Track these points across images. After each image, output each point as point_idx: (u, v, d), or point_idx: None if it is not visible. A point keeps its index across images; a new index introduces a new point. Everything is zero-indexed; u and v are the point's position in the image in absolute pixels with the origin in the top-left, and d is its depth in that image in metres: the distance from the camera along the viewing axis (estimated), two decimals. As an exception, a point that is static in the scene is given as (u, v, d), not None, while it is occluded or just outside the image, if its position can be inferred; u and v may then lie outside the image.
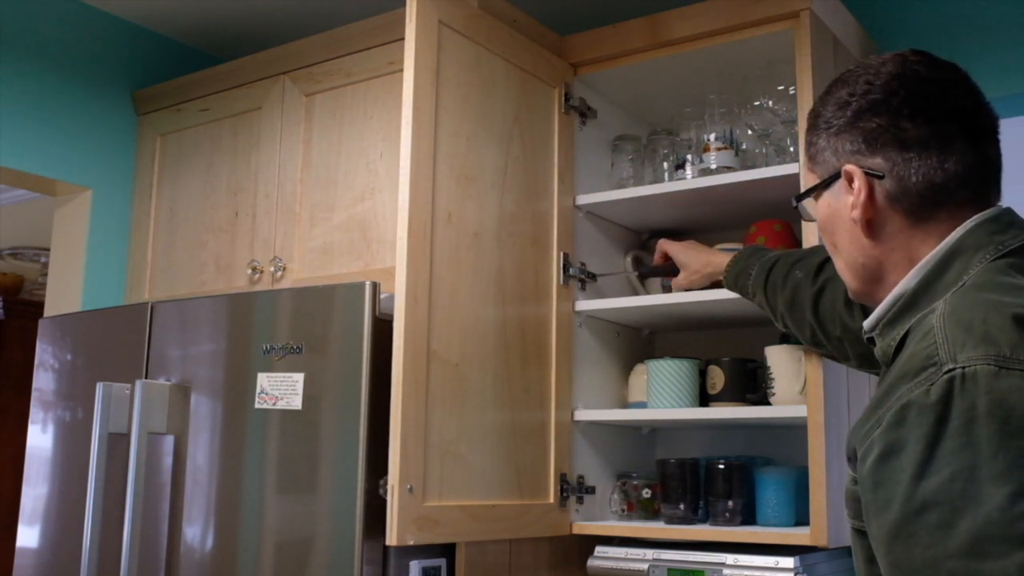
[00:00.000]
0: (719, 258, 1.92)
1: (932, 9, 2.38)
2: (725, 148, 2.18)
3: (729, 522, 2.03)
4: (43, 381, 2.43)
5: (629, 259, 2.37)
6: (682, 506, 2.09)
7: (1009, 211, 1.12)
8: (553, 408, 2.11)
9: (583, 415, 2.18)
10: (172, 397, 2.15)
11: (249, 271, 2.47)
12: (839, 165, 1.15)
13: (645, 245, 2.48)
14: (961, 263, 1.07)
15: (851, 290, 1.23)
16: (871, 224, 1.13)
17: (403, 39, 1.85)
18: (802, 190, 1.27)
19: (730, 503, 2.03)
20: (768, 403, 2.02)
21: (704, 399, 2.18)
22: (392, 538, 1.70)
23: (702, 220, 2.37)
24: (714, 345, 2.40)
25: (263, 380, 2.02)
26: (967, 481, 0.90)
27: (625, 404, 2.33)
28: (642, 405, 2.24)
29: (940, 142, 1.10)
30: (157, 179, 2.77)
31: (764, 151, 2.18)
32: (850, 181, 1.13)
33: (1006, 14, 2.30)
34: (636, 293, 2.34)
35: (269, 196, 2.50)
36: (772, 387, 2.00)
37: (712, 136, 2.20)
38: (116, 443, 2.16)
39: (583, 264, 2.25)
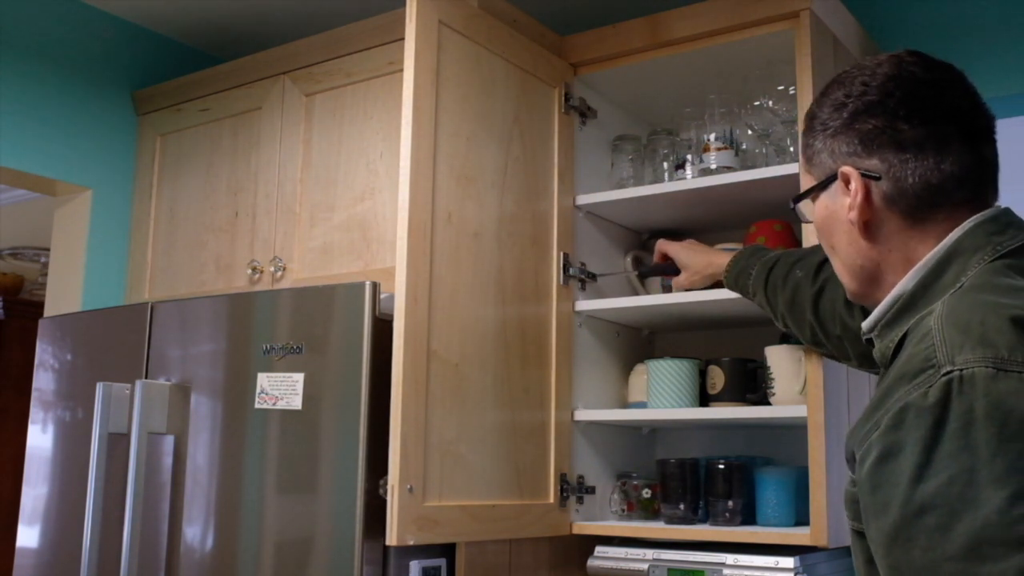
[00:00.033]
0: (720, 258, 1.92)
1: (932, 9, 2.38)
2: (725, 148, 2.18)
3: (729, 522, 2.03)
4: (43, 381, 2.43)
5: (629, 259, 2.37)
6: (682, 506, 2.09)
7: (1007, 211, 1.12)
8: (553, 408, 2.11)
9: (583, 415, 2.18)
10: (172, 397, 2.15)
11: (249, 271, 2.47)
12: (836, 167, 1.15)
13: (645, 245, 2.48)
14: (959, 264, 1.07)
15: (849, 291, 1.23)
16: (868, 226, 1.13)
17: (403, 39, 1.85)
18: (799, 192, 1.27)
19: (730, 503, 2.03)
20: (768, 403, 2.02)
21: (704, 399, 2.18)
22: (392, 538, 1.70)
23: (702, 220, 2.37)
24: (714, 345, 2.40)
25: (263, 380, 2.02)
26: (965, 484, 0.90)
27: (625, 404, 2.33)
28: (642, 405, 2.24)
29: (936, 143, 1.10)
30: (157, 179, 2.77)
31: (764, 151, 2.18)
32: (847, 183, 1.13)
33: (1006, 14, 2.30)
34: (636, 293, 2.34)
35: (269, 196, 2.50)
36: (772, 387, 2.00)
37: (712, 136, 2.20)
38: (116, 443, 2.16)
39: (583, 264, 2.25)
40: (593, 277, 2.27)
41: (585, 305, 2.22)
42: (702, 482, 2.11)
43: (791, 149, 2.11)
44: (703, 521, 2.10)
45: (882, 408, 0.99)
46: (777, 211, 2.13)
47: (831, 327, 1.58)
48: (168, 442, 2.14)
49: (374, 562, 1.86)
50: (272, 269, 2.43)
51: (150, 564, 2.10)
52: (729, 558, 1.91)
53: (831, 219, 1.18)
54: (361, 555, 1.84)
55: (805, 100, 1.92)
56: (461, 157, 1.93)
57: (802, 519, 1.94)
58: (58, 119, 2.71)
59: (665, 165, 2.31)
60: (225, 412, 2.09)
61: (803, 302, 1.63)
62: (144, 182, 2.80)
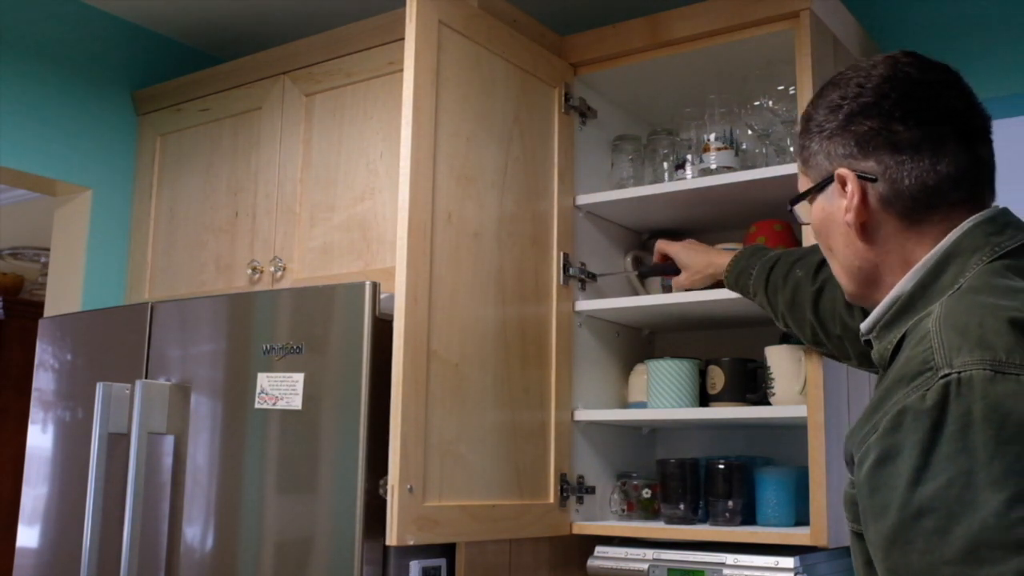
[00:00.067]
0: (720, 258, 1.92)
1: (932, 9, 2.38)
2: (725, 148, 2.18)
3: (729, 522, 2.03)
4: (43, 381, 2.43)
5: (629, 259, 2.37)
6: (682, 506, 2.09)
7: (1005, 211, 1.12)
8: (553, 408, 2.11)
9: (583, 415, 2.18)
10: (172, 397, 2.15)
11: (249, 271, 2.47)
12: (832, 169, 1.15)
13: (645, 245, 2.48)
14: (957, 265, 1.07)
15: (847, 293, 1.23)
16: (865, 227, 1.13)
17: (403, 39, 1.85)
18: (797, 193, 1.27)
19: (730, 503, 2.03)
20: (768, 403, 2.02)
21: (704, 399, 2.17)
22: (392, 538, 1.70)
23: (702, 220, 2.37)
24: (714, 345, 2.40)
25: (263, 380, 2.02)
26: (963, 487, 0.89)
27: (625, 404, 2.33)
28: (642, 405, 2.24)
29: (932, 144, 1.10)
30: (157, 179, 2.77)
31: (764, 151, 2.18)
32: (843, 185, 1.13)
33: (1006, 14, 2.30)
34: (636, 293, 2.34)
35: (269, 196, 2.50)
36: (772, 387, 2.00)
37: (712, 136, 2.20)
38: (116, 443, 2.16)
39: (583, 264, 2.25)
40: (593, 277, 2.27)
41: (585, 305, 2.22)
42: (702, 482, 2.11)
43: (791, 149, 2.11)
44: (703, 521, 2.10)
45: (880, 411, 0.99)
46: (777, 211, 2.13)
47: (831, 326, 1.58)
48: (168, 442, 2.14)
49: (374, 562, 1.86)
50: (272, 269, 2.43)
51: (150, 564, 2.10)
52: (729, 558, 1.91)
53: (828, 221, 1.18)
54: (361, 555, 1.84)
55: (805, 100, 1.92)
56: (461, 157, 1.93)
57: (802, 519, 1.94)
58: (58, 119, 2.71)
59: (665, 165, 2.31)
60: (225, 412, 2.09)
61: (803, 301, 1.63)
62: (144, 182, 2.80)
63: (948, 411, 0.92)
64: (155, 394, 2.14)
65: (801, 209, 1.25)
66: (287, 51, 2.53)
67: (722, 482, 2.05)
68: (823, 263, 1.60)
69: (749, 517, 2.06)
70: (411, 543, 1.73)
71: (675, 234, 2.33)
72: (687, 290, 2.06)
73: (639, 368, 2.29)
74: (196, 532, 2.07)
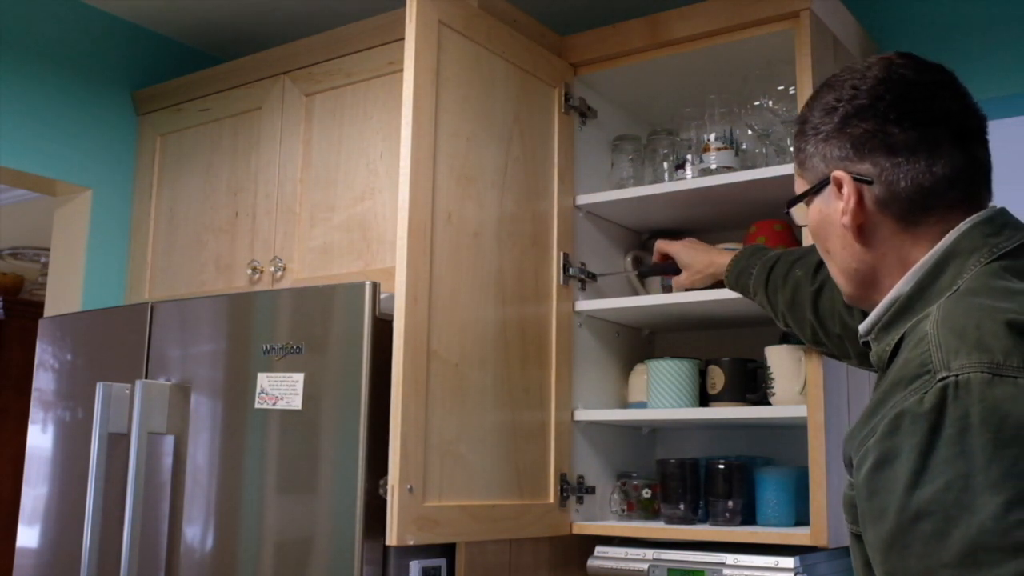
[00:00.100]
0: (721, 258, 1.92)
1: (932, 9, 2.38)
2: (725, 148, 2.18)
3: (729, 522, 2.03)
4: (43, 381, 2.43)
5: (629, 259, 2.37)
6: (682, 506, 2.09)
7: (1003, 212, 1.12)
8: (553, 408, 2.11)
9: (583, 415, 2.18)
10: (172, 397, 2.15)
11: (249, 271, 2.47)
12: (828, 171, 1.15)
13: (645, 245, 2.48)
14: (955, 267, 1.07)
15: (845, 295, 1.23)
16: (862, 229, 1.13)
17: (403, 39, 1.85)
18: (793, 195, 1.27)
19: (730, 503, 2.03)
20: (768, 403, 2.02)
21: (704, 399, 2.18)
22: (392, 538, 1.70)
23: (702, 220, 2.37)
24: (714, 345, 2.40)
25: (263, 380, 2.02)
26: (961, 490, 0.89)
27: (625, 404, 2.33)
28: (642, 405, 2.24)
29: (928, 146, 1.10)
30: (157, 179, 2.77)
31: (764, 151, 2.18)
32: (839, 187, 1.13)
33: (1006, 14, 2.30)
34: (636, 293, 2.34)
35: (269, 196, 2.50)
36: (772, 387, 2.00)
37: (712, 136, 2.20)
38: (116, 443, 2.16)
39: (583, 264, 2.25)
40: (593, 277, 2.27)
41: (585, 305, 2.22)
42: (702, 482, 2.11)
43: (791, 149, 2.11)
44: (703, 521, 2.10)
45: (878, 414, 0.99)
46: (777, 211, 2.13)
47: (831, 325, 1.58)
48: (168, 442, 2.14)
49: (374, 562, 1.86)
50: (272, 269, 2.43)
51: (150, 564, 2.10)
52: (729, 558, 1.91)
53: (825, 223, 1.18)
54: (361, 555, 1.84)
55: (805, 100, 1.92)
56: (461, 157, 1.93)
57: (802, 519, 1.94)
58: (58, 119, 2.71)
59: (665, 165, 2.31)
60: (225, 412, 2.09)
61: (803, 301, 1.63)
62: (144, 182, 2.80)
63: (946, 414, 0.92)
64: (155, 394, 2.14)
65: (798, 211, 1.25)
66: (287, 51, 2.53)
67: (722, 482, 2.05)
68: (822, 263, 1.60)
69: (749, 517, 2.06)
70: (411, 543, 1.73)
71: (675, 234, 2.33)
72: (687, 289, 2.06)
73: (639, 368, 2.29)
74: (196, 532, 2.07)
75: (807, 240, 1.90)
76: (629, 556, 2.01)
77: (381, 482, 1.83)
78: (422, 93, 1.84)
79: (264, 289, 2.40)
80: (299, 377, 1.97)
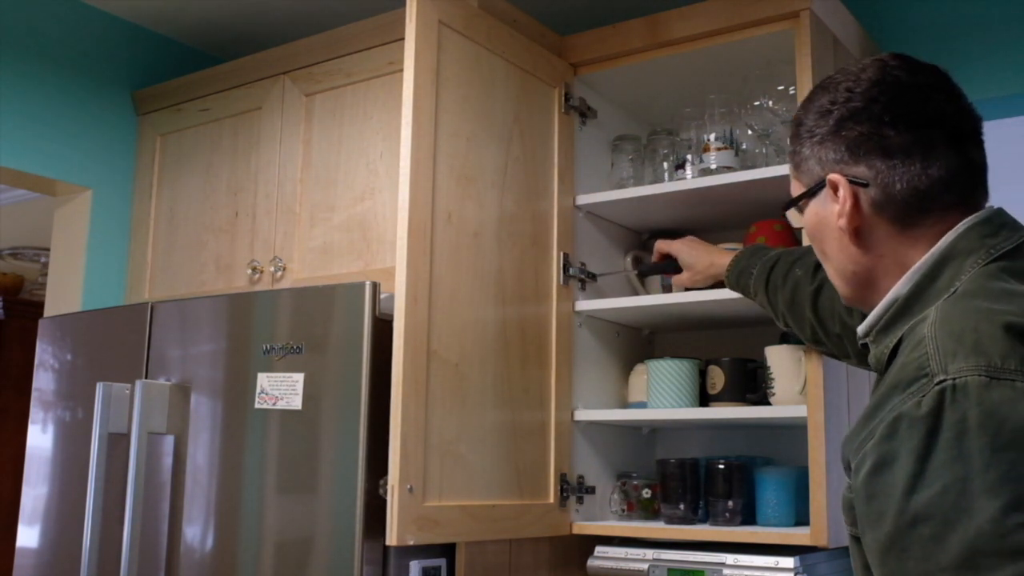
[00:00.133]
0: (721, 258, 1.92)
1: (932, 9, 2.38)
2: (725, 148, 2.18)
3: (729, 522, 2.03)
4: (43, 381, 2.43)
5: (629, 259, 2.37)
6: (682, 506, 2.09)
7: (1000, 212, 1.12)
8: (553, 408, 2.11)
9: (583, 415, 2.18)
10: (172, 397, 2.15)
11: (249, 271, 2.47)
12: (823, 174, 1.15)
13: (645, 245, 2.48)
14: (953, 268, 1.07)
15: (843, 296, 1.23)
16: (858, 232, 1.13)
17: (403, 39, 1.85)
18: (789, 198, 1.27)
19: (730, 503, 2.03)
20: (768, 403, 2.02)
21: (704, 399, 2.18)
22: (392, 538, 1.70)
23: (702, 220, 2.37)
24: (714, 345, 2.40)
25: (263, 380, 2.02)
26: (959, 494, 0.89)
27: (625, 404, 2.33)
28: (642, 405, 2.24)
29: (923, 148, 1.10)
30: (157, 179, 2.77)
31: (764, 151, 2.18)
32: (835, 190, 1.13)
33: (1006, 14, 2.30)
34: (636, 293, 2.34)
35: (269, 196, 2.50)
36: (772, 387, 2.00)
37: (712, 136, 2.20)
38: (116, 443, 2.16)
39: (583, 264, 2.25)
40: (593, 277, 2.27)
41: (585, 305, 2.22)
42: (702, 482, 2.11)
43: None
44: (703, 521, 2.10)
45: (877, 416, 0.99)
46: (777, 211, 2.13)
47: (830, 325, 1.58)
48: (168, 442, 2.14)
49: (374, 562, 1.86)
50: (272, 269, 2.43)
51: (150, 564, 2.10)
52: (729, 558, 1.91)
53: (821, 226, 1.18)
54: (361, 555, 1.84)
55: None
56: (461, 157, 1.93)
57: (802, 519, 1.94)
58: (58, 119, 2.71)
59: (665, 165, 2.31)
60: (225, 412, 2.09)
61: (802, 301, 1.63)
62: (144, 182, 2.80)
63: (943, 418, 0.92)
64: (155, 394, 2.14)
65: (792, 214, 1.25)
66: (287, 51, 2.53)
67: (722, 482, 2.05)
68: (821, 262, 1.60)
69: (749, 517, 2.06)
70: (411, 543, 1.73)
71: (675, 234, 2.32)
72: (687, 289, 2.06)
73: (639, 368, 2.29)
74: (196, 532, 2.07)
75: (807, 240, 1.89)
76: (629, 556, 2.01)
77: (381, 482, 1.83)
78: (422, 93, 1.84)
79: (264, 289, 2.40)
80: (299, 377, 1.97)
